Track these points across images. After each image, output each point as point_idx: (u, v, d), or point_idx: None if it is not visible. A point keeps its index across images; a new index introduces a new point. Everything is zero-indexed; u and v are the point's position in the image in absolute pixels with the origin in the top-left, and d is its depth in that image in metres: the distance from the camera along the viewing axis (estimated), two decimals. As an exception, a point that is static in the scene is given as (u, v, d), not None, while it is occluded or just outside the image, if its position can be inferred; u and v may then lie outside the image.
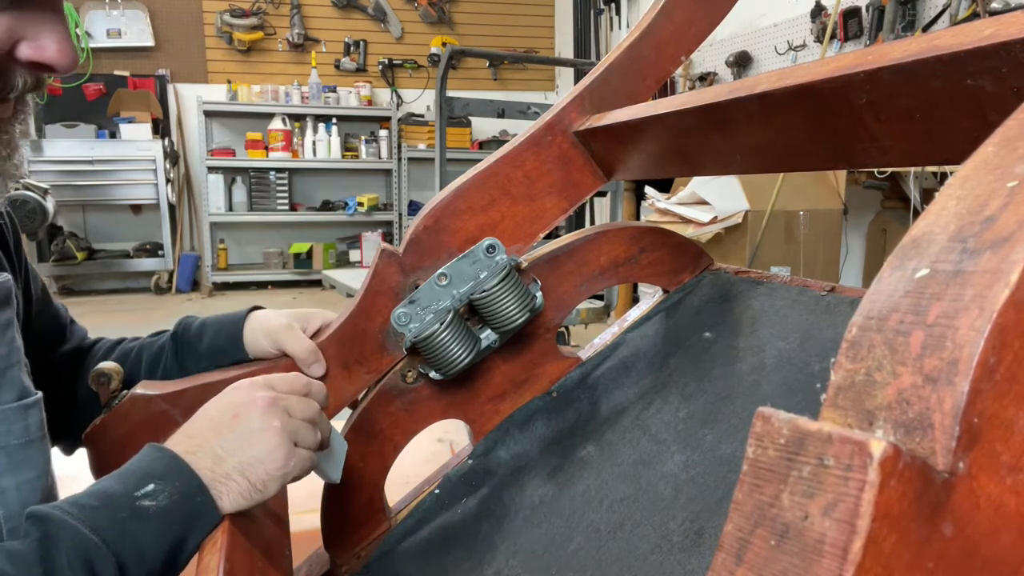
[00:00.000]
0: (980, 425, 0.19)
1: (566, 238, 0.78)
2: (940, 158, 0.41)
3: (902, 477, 0.18)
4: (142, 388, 0.71)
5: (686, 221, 2.64)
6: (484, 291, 0.70)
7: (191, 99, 5.43)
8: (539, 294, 0.74)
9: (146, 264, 5.39)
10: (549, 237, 0.82)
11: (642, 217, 3.44)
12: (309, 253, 5.73)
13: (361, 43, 5.83)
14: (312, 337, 0.74)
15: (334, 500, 0.74)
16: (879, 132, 0.43)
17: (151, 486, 0.52)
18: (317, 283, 5.59)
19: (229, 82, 5.51)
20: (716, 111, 0.54)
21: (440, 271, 0.71)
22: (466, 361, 0.71)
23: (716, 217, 2.58)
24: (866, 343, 0.21)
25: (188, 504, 0.53)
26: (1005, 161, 0.22)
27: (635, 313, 0.83)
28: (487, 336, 0.73)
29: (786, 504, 0.20)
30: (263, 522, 0.62)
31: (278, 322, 0.74)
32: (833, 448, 0.19)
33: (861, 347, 0.22)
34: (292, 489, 0.77)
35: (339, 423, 0.82)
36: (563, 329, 3.19)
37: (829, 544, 0.18)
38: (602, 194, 3.52)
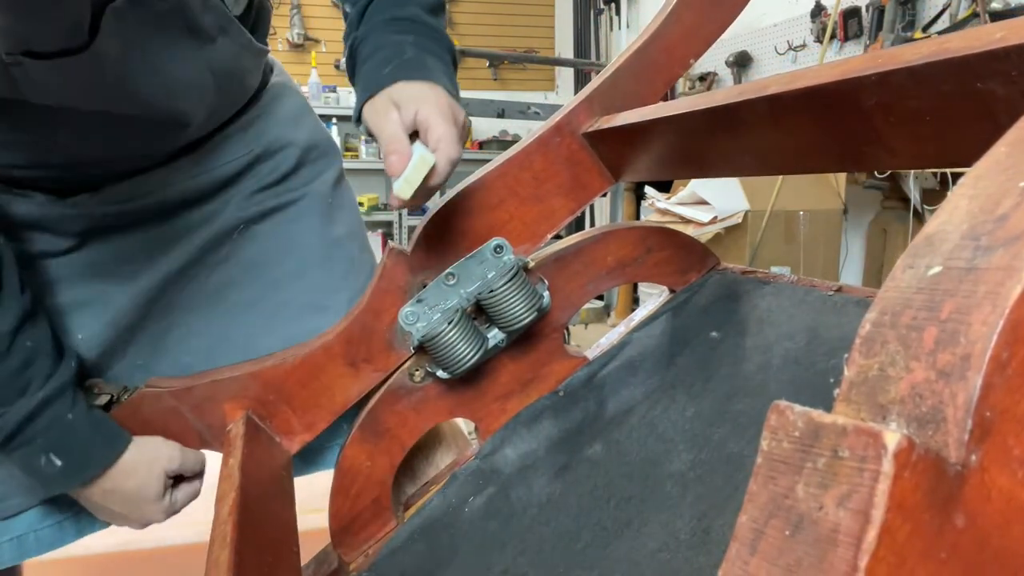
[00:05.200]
0: (992, 419, 0.19)
1: (573, 238, 0.79)
2: (949, 161, 0.41)
3: (916, 468, 0.18)
4: (153, 383, 0.72)
5: (686, 221, 2.64)
6: (492, 291, 0.71)
7: (191, 99, 5.42)
8: (546, 294, 0.75)
9: (146, 264, 5.38)
10: (553, 237, 0.82)
11: (642, 217, 3.44)
12: (309, 253, 5.71)
13: (361, 43, 5.83)
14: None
15: (342, 498, 0.74)
16: (888, 134, 0.43)
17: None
18: (317, 283, 5.58)
19: (229, 82, 5.50)
20: (725, 113, 0.54)
21: (448, 270, 0.71)
22: (473, 360, 0.72)
23: (716, 217, 2.58)
24: (879, 339, 0.22)
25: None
26: (1018, 161, 0.23)
27: (642, 313, 0.84)
28: (494, 335, 0.74)
29: (801, 495, 0.20)
30: (271, 519, 0.63)
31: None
32: (848, 440, 0.19)
33: (875, 343, 0.22)
34: (299, 488, 0.78)
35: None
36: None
37: (844, 534, 0.18)
38: (602, 194, 3.52)
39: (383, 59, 0.62)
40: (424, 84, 0.60)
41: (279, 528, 0.64)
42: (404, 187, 0.59)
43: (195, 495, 0.75)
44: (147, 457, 0.69)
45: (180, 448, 0.72)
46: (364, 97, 0.62)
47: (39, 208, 0.70)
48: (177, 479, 0.73)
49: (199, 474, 0.75)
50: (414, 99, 0.59)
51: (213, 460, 0.72)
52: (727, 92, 0.53)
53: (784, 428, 0.21)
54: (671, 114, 0.60)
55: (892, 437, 0.18)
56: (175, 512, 0.73)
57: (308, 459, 0.85)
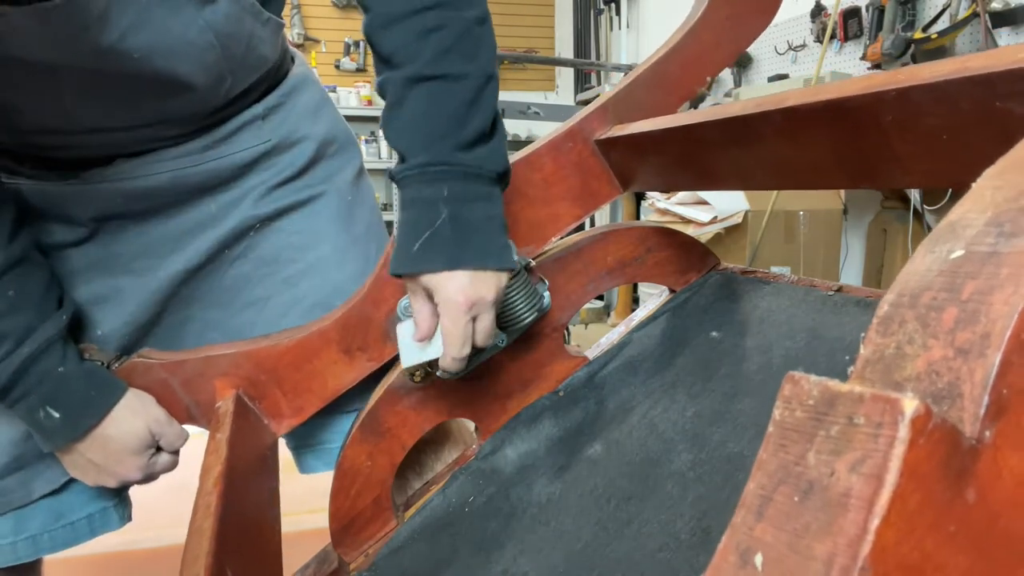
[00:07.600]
0: (1008, 397, 0.19)
1: (573, 238, 0.79)
2: (962, 179, 0.41)
3: (931, 437, 0.18)
4: (144, 354, 0.72)
5: (686, 221, 2.64)
6: (492, 290, 0.70)
7: (191, 99, 5.41)
8: (547, 294, 0.75)
9: (146, 264, 5.37)
10: (556, 237, 0.82)
11: (642, 217, 3.44)
12: (309, 253, 5.70)
13: (361, 43, 5.82)
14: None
15: (342, 498, 0.74)
16: (904, 152, 0.43)
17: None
18: (317, 283, 5.57)
19: (229, 82, 5.49)
20: (741, 125, 0.54)
21: (449, 268, 0.71)
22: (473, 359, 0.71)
23: (716, 217, 2.58)
24: (897, 318, 0.22)
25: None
26: (1043, 156, 0.23)
27: (642, 313, 0.84)
28: (495, 335, 0.74)
29: (812, 462, 0.20)
30: (255, 495, 0.63)
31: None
32: (864, 407, 0.19)
33: (892, 322, 0.22)
34: (299, 488, 0.78)
35: (343, 418, 0.82)
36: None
37: (855, 497, 0.18)
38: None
39: (415, 225, 0.61)
40: (446, 276, 0.61)
41: (262, 504, 0.65)
42: (410, 358, 0.67)
43: (173, 466, 0.75)
44: (139, 408, 0.69)
45: (167, 415, 0.72)
46: (397, 269, 0.63)
47: (52, 187, 0.70)
48: (157, 449, 0.73)
49: (177, 449, 0.75)
50: (436, 292, 0.62)
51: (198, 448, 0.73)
52: (744, 104, 0.53)
53: (798, 397, 0.21)
54: (685, 124, 0.60)
55: (910, 404, 0.18)
56: (152, 476, 0.73)
57: (325, 460, 0.85)
